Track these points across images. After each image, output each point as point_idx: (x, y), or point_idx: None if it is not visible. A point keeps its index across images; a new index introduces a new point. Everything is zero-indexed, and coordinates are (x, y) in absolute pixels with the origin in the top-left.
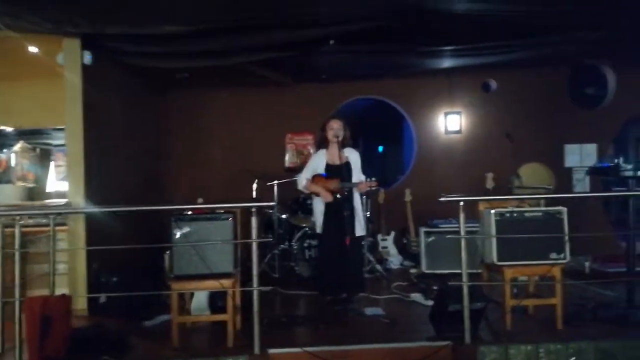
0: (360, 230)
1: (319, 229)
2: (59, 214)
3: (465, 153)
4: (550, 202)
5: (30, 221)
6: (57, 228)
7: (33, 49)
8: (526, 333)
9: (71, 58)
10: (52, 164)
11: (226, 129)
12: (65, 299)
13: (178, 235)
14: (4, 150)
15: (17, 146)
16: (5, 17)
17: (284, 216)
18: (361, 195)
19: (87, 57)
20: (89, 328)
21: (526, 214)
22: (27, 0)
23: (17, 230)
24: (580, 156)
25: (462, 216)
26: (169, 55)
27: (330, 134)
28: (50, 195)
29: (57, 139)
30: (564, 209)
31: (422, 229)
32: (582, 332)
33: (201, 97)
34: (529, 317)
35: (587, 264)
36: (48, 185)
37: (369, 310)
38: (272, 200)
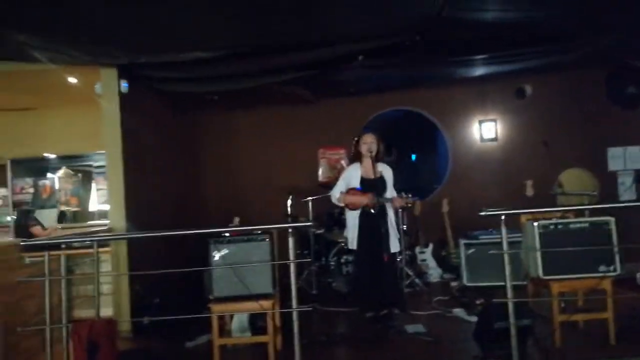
0: (395, 246)
1: (351, 245)
2: (101, 240)
3: (502, 161)
4: (596, 210)
5: (75, 244)
6: (101, 250)
7: (72, 80)
8: (577, 350)
9: (109, 87)
10: (93, 186)
11: (258, 146)
12: (112, 323)
13: (217, 257)
14: (48, 176)
15: (60, 172)
16: (47, 52)
17: (319, 232)
18: (396, 209)
19: (124, 86)
20: (134, 351)
21: (571, 226)
22: (67, 35)
23: (62, 260)
24: (624, 159)
25: (503, 231)
26: (199, 79)
27: (364, 148)
28: (93, 216)
29: (98, 161)
30: (612, 219)
31: (462, 241)
32: (637, 348)
33: (231, 117)
34: (579, 332)
35: (638, 275)
36: (90, 206)
37: (410, 328)
38: (307, 216)
